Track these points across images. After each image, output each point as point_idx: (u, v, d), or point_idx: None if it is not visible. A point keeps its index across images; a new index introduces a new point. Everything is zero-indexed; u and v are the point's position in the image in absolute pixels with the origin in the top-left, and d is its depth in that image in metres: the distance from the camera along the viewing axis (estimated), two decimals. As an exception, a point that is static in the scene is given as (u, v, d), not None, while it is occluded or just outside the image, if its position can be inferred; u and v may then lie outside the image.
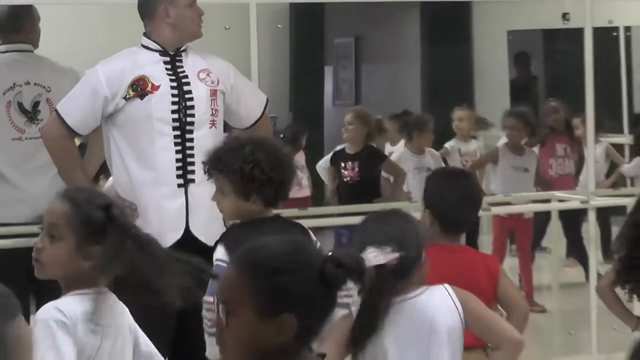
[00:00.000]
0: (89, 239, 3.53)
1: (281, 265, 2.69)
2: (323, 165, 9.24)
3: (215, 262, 4.34)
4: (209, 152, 4.50)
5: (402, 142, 9.68)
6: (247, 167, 4.34)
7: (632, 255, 4.76)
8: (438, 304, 3.89)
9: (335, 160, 9.01)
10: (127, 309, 3.79)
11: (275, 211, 4.57)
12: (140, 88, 5.08)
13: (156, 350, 3.99)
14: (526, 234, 9.48)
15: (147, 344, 3.93)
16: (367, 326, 3.81)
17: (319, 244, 4.52)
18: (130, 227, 3.63)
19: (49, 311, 3.69)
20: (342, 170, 8.82)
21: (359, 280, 2.81)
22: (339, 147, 9.17)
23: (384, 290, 3.76)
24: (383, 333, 3.83)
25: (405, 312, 3.84)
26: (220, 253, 4.37)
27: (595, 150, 8.68)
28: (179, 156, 5.06)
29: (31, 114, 6.05)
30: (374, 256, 3.68)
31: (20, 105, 6.05)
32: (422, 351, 3.85)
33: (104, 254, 3.51)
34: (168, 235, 4.98)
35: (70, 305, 3.68)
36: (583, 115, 9.57)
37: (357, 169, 8.79)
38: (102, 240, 3.52)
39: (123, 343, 3.72)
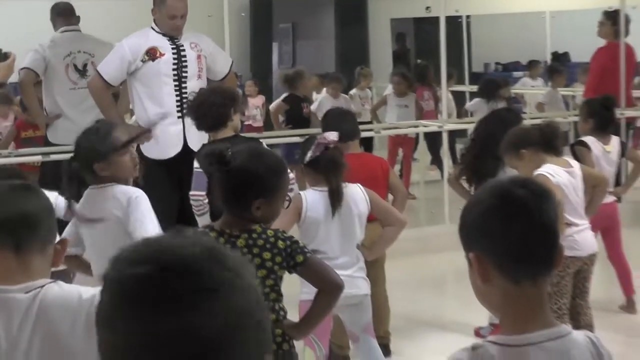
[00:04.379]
0: None
1: None
2: (275, 106, 8.93)
3: (194, 169, 4.24)
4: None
5: (324, 90, 9.59)
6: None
7: (465, 160, 4.84)
8: (355, 196, 3.88)
9: (291, 100, 8.67)
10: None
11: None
12: (151, 54, 5.06)
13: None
14: (409, 147, 9.55)
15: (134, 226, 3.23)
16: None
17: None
18: None
19: None
20: (304, 109, 8.58)
21: None
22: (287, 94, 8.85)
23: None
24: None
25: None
26: (195, 163, 4.24)
27: (448, 95, 8.70)
28: (178, 98, 5.06)
29: (82, 72, 6.05)
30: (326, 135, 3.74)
31: (75, 66, 6.07)
32: (345, 225, 3.84)
33: None
34: (171, 149, 5.02)
35: None
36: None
37: (309, 108, 8.69)
38: None
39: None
